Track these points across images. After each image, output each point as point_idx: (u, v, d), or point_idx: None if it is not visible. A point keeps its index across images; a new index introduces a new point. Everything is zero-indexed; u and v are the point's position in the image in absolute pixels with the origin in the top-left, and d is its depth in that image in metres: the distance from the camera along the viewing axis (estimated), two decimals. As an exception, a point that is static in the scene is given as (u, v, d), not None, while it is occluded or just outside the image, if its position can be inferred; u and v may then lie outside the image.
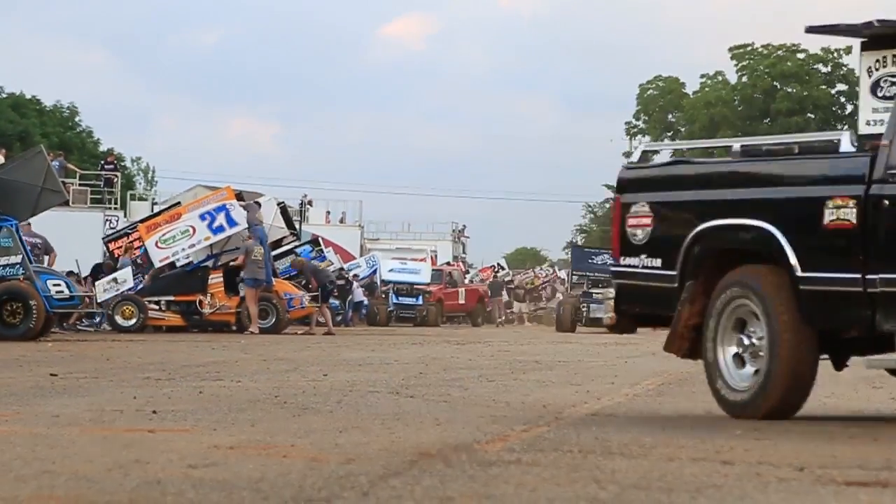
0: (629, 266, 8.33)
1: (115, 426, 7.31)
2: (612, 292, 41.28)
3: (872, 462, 5.90)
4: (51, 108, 65.10)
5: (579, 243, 68.90)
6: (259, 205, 27.41)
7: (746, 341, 7.68)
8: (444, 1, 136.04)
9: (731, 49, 77.91)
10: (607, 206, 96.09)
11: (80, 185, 39.08)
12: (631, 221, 8.25)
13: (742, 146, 8.52)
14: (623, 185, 8.59)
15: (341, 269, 39.54)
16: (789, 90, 75.52)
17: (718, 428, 7.66)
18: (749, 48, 78.10)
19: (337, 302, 37.22)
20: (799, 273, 7.37)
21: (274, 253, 28.83)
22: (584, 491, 4.90)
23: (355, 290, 39.68)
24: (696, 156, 10.04)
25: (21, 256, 20.91)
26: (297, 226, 32.53)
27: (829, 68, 77.87)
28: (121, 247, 26.58)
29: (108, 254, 27.42)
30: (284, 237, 29.73)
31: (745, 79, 77.03)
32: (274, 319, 26.23)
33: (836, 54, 77.29)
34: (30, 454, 5.89)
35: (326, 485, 4.96)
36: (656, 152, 10.06)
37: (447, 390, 10.64)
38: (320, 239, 36.72)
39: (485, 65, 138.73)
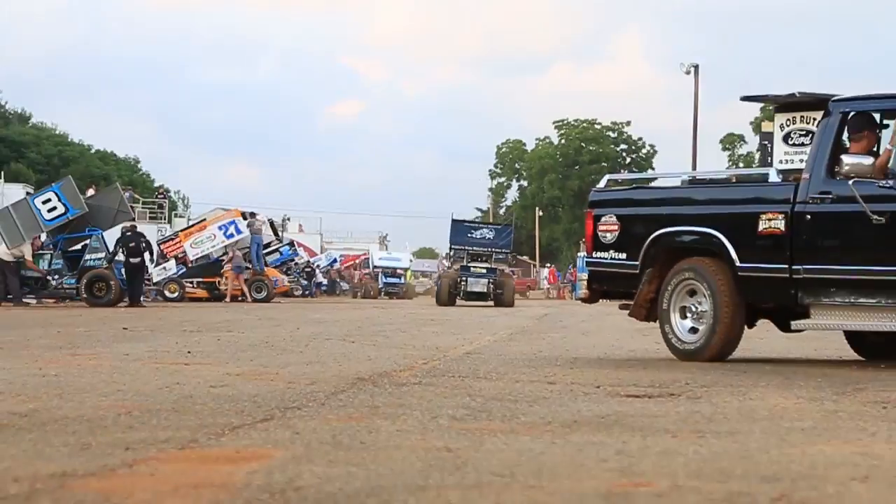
0: (600, 258, 9.28)
1: (163, 361, 7.98)
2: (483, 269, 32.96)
3: (642, 382, 6.65)
4: (122, 158, 79.07)
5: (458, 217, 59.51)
6: (256, 218, 33.91)
7: (694, 309, 8.50)
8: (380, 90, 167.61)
9: (554, 122, 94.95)
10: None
11: (142, 207, 45.57)
12: (601, 228, 9.20)
13: (689, 177, 10.00)
14: (595, 203, 9.51)
15: (308, 261, 48.24)
16: (591, 148, 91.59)
17: (546, 362, 8.51)
18: (565, 121, 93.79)
19: (306, 282, 45.48)
20: (738, 264, 8.19)
21: (265, 252, 34.79)
22: (462, 401, 5.46)
23: (317, 274, 48.63)
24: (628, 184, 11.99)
25: (104, 253, 24.63)
26: (279, 233, 39.79)
27: (615, 134, 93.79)
28: (170, 247, 32.52)
29: (160, 252, 32.12)
30: (272, 241, 36.63)
31: (563, 141, 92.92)
32: (266, 293, 32.01)
33: (620, 125, 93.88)
34: (109, 379, 6.47)
35: (298, 398, 5.49)
36: (616, 182, 11.09)
37: (375, 338, 11.75)
38: (295, 242, 43.94)
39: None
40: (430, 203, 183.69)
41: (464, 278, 32.95)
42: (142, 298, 25.19)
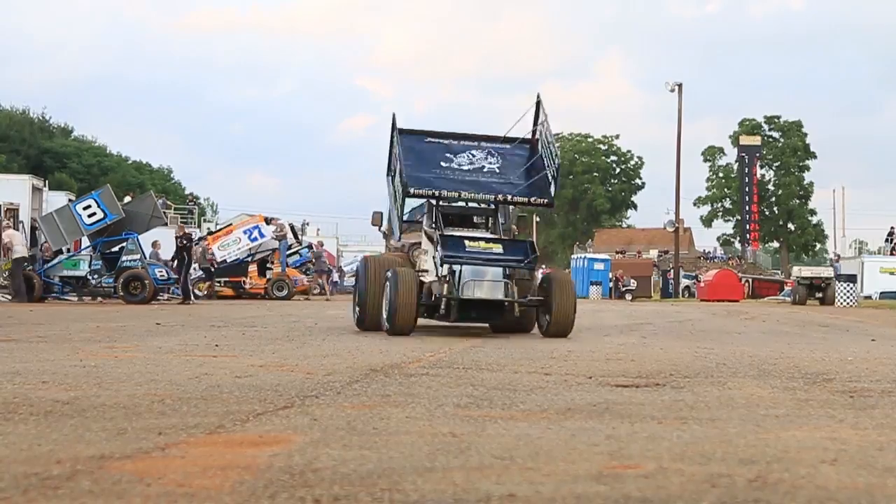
0: None
1: (193, 353, 7.96)
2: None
3: (630, 373, 6.69)
4: (156, 168, 79.72)
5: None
6: (281, 225, 33.73)
7: None
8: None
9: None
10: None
11: (174, 213, 45.45)
12: None
13: None
14: None
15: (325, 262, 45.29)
16: (583, 159, 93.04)
17: (542, 355, 8.43)
18: (560, 135, 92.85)
19: (322, 280, 43.35)
20: None
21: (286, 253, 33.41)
22: (466, 390, 5.48)
23: (334, 274, 47.34)
24: None
25: (140, 254, 24.55)
26: (299, 236, 39.51)
27: (605, 147, 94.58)
28: (199, 249, 31.18)
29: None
30: (293, 244, 35.98)
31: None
32: (287, 291, 31.81)
33: (609, 138, 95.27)
34: (143, 369, 6.46)
35: (316, 387, 5.49)
36: None
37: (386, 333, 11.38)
38: (313, 244, 43.01)
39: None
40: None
41: (454, 270, 11.18)
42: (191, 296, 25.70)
